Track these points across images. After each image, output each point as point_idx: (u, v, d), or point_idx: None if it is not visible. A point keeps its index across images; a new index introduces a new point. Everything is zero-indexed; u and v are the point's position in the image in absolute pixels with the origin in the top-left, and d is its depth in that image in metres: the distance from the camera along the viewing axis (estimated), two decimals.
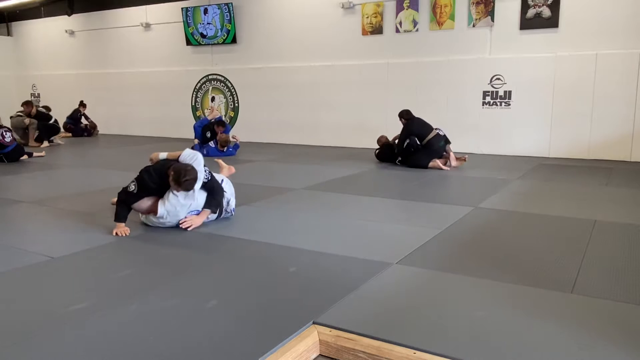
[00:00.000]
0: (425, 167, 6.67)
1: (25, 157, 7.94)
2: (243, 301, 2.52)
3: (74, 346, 2.09)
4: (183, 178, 3.60)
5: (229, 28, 10.23)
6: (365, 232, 3.76)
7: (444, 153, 6.79)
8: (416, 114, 7.12)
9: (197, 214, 3.88)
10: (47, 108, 10.70)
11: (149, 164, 4.06)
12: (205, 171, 3.89)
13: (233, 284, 2.76)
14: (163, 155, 4.08)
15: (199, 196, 3.87)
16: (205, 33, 10.54)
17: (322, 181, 5.82)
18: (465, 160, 6.90)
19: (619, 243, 3.46)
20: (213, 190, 3.95)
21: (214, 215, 4.03)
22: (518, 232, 3.76)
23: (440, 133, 6.80)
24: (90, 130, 11.81)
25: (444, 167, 6.63)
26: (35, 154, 8.24)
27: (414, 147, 6.79)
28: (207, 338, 2.13)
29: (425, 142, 6.74)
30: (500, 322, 2.26)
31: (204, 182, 3.86)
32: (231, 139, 8.23)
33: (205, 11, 10.39)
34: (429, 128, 6.84)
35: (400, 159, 6.94)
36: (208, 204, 3.92)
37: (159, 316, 2.35)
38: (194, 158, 3.88)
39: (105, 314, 2.39)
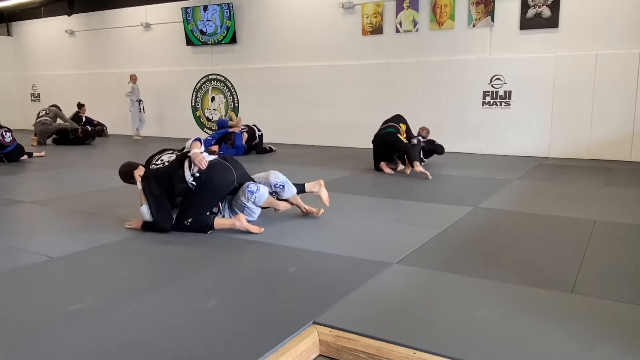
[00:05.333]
0: (376, 169, 6.50)
1: (25, 157, 7.95)
2: (243, 301, 2.52)
3: (74, 346, 2.09)
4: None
5: (229, 25, 10.23)
6: (365, 232, 3.76)
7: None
8: (416, 114, 7.14)
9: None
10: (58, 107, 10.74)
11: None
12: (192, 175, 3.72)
13: (233, 284, 2.76)
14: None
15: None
16: (205, 30, 10.54)
17: None
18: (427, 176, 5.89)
19: (619, 243, 3.46)
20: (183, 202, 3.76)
21: (257, 213, 3.96)
22: (518, 232, 3.76)
23: (404, 135, 6.41)
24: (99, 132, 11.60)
25: (386, 170, 6.33)
26: (35, 154, 8.24)
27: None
28: (207, 338, 2.13)
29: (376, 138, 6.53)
30: (500, 322, 2.26)
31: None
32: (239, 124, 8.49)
33: (205, 8, 10.40)
34: (385, 123, 6.62)
35: None
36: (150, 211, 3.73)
37: (159, 316, 2.35)
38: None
39: (105, 314, 2.39)
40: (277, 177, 4.01)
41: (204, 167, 3.66)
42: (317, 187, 4.20)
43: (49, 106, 10.69)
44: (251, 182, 3.90)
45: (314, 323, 2.26)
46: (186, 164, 3.74)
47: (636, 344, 2.06)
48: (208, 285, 2.75)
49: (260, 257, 3.24)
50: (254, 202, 3.84)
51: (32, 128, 10.44)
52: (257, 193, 3.80)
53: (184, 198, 3.76)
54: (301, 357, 2.10)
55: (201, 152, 3.78)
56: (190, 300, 2.53)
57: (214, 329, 2.21)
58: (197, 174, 3.68)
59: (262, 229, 3.75)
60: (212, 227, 3.72)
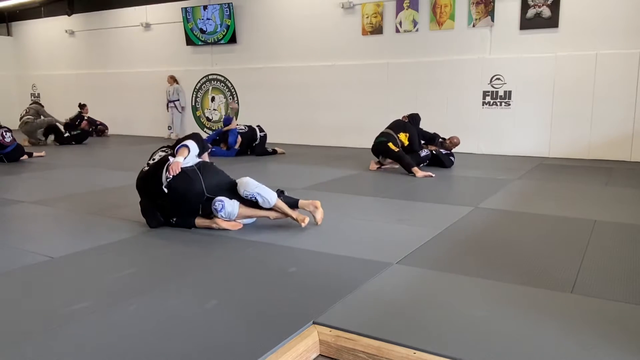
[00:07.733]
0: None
1: (25, 157, 7.94)
2: (243, 301, 2.52)
3: (74, 346, 2.09)
4: None
5: (229, 24, 10.24)
6: (365, 232, 3.76)
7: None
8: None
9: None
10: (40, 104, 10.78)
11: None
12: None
13: (233, 284, 2.76)
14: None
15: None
16: (204, 29, 10.54)
17: (322, 181, 5.81)
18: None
19: (619, 243, 3.46)
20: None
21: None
22: (518, 232, 3.76)
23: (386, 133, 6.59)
24: (96, 132, 11.62)
25: (372, 167, 6.68)
26: (35, 154, 8.24)
27: None
28: (207, 338, 2.13)
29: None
30: (500, 322, 2.26)
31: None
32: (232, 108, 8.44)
33: (205, 7, 10.41)
34: (386, 128, 6.74)
35: None
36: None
37: (159, 316, 2.35)
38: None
39: (105, 314, 2.39)
40: (245, 189, 3.74)
41: (175, 174, 3.72)
42: (311, 207, 3.91)
43: (29, 105, 10.79)
44: (218, 198, 3.72)
45: (314, 323, 2.26)
46: (164, 168, 3.81)
47: (636, 344, 2.06)
48: (208, 285, 2.75)
49: (260, 257, 3.24)
50: (227, 219, 3.76)
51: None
52: (223, 211, 3.68)
53: (163, 201, 3.86)
54: (301, 357, 2.10)
55: (185, 158, 3.79)
56: (190, 300, 2.53)
57: (214, 329, 2.21)
58: (169, 180, 3.75)
59: (241, 225, 3.84)
60: (194, 226, 3.87)
